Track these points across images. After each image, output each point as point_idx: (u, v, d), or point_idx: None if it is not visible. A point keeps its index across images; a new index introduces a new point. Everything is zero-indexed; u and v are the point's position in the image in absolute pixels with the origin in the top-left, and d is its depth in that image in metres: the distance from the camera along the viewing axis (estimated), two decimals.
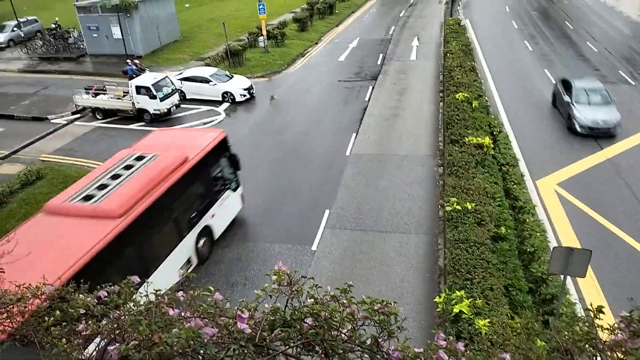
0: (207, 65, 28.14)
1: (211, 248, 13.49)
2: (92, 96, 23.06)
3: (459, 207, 11.98)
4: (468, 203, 12.09)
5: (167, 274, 10.75)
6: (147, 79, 22.31)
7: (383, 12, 43.55)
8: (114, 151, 15.10)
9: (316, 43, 34.26)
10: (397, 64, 28.55)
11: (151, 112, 21.96)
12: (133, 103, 22.06)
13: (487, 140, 15.29)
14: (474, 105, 17.86)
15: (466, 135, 15.51)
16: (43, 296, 3.44)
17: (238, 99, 23.77)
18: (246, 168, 15.28)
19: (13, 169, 18.79)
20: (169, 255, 11.66)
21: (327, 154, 18.69)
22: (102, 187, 11.02)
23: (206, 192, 13.36)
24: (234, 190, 14.39)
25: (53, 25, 36.89)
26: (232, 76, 25.04)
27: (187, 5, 47.90)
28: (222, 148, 13.83)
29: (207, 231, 13.21)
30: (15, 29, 36.91)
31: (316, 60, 30.18)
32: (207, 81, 23.90)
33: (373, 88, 24.87)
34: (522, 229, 12.10)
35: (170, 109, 22.19)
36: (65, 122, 23.11)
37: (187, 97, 23.97)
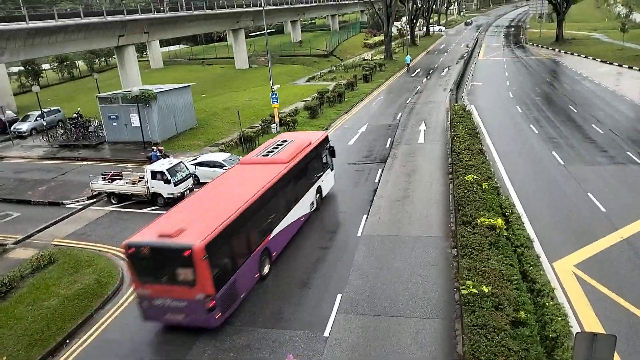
0: (221, 150, 29.01)
1: (320, 203, 21.11)
2: (108, 182, 23.64)
3: (475, 291, 11.67)
4: (484, 286, 11.79)
5: (304, 206, 19.26)
6: (162, 164, 22.95)
7: (390, 99, 45.25)
8: (127, 234, 15.41)
9: (326, 129, 35.34)
10: (405, 147, 29.19)
11: (165, 197, 22.34)
12: (147, 188, 22.53)
13: (499, 221, 15.19)
14: (483, 187, 17.96)
15: (478, 217, 15.46)
16: None
17: None
18: None
19: (25, 253, 18.89)
20: (306, 193, 19.60)
21: (338, 235, 18.63)
22: (270, 152, 19.43)
23: (320, 164, 21.33)
24: (331, 170, 22.53)
25: (75, 115, 38.78)
26: None
27: (203, 95, 50.32)
28: (326, 141, 22.29)
29: (319, 190, 21.09)
30: (38, 118, 38.75)
31: None
32: (220, 166, 24.47)
33: (383, 170, 25.25)
34: (542, 314, 11.63)
35: (184, 193, 22.57)
36: (80, 207, 23.52)
37: (201, 181, 24.45)
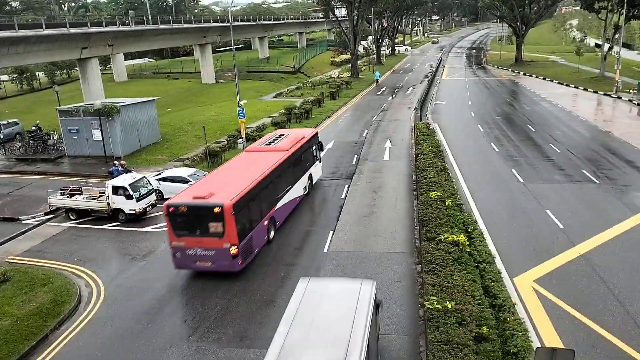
0: (186, 166, 28.59)
1: (310, 189, 24.37)
2: (67, 197, 22.90)
3: (439, 306, 11.80)
4: (448, 302, 11.93)
5: (299, 188, 22.54)
6: (124, 179, 22.42)
7: (356, 116, 45.77)
8: (86, 252, 14.90)
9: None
10: (371, 164, 29.50)
11: (126, 212, 21.80)
12: (108, 203, 21.94)
13: (462, 237, 15.47)
14: (447, 204, 18.28)
15: (442, 233, 15.70)
16: None
17: None
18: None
19: None
20: (300, 178, 22.84)
21: (304, 252, 18.56)
22: (271, 142, 23.07)
23: (311, 155, 24.63)
24: (320, 162, 25.98)
25: (33, 128, 37.53)
26: None
27: (168, 109, 49.66)
28: (316, 137, 25.69)
29: (310, 178, 24.45)
30: None
31: None
32: (185, 181, 24.06)
33: (349, 187, 25.41)
34: (503, 329, 11.85)
35: (146, 208, 22.09)
36: (37, 223, 22.66)
37: (165, 196, 23.96)
